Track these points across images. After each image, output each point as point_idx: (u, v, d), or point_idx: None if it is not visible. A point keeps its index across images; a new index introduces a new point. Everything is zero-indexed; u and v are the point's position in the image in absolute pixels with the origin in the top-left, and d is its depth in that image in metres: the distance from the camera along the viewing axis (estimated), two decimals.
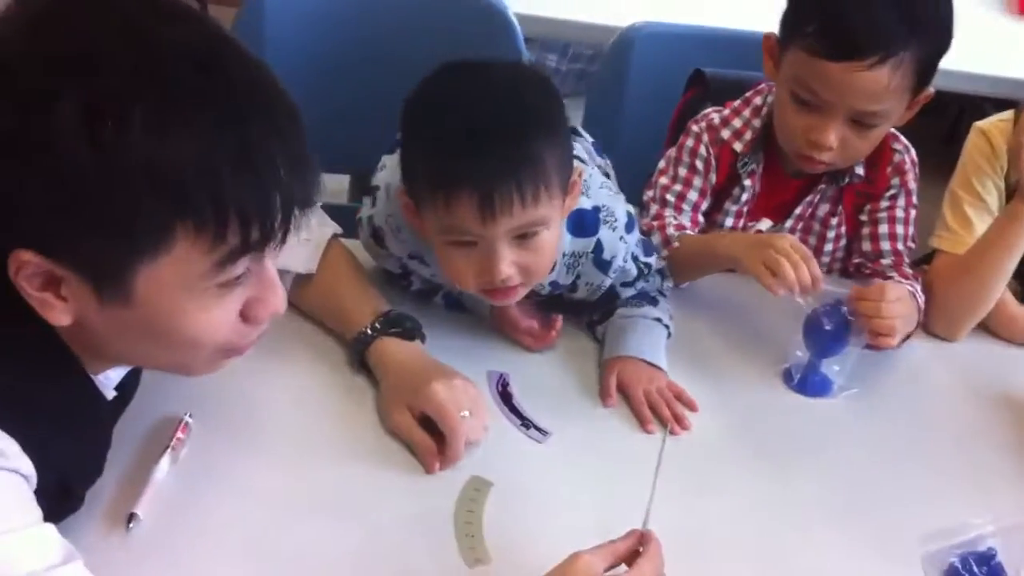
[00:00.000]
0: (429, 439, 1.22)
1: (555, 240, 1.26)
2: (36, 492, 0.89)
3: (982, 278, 1.54)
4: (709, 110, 1.63)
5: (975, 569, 1.02)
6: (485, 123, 1.17)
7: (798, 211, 1.62)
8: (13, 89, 0.81)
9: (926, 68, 1.42)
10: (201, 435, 1.18)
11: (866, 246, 1.60)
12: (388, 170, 1.36)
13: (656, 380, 1.38)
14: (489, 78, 1.22)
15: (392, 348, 1.31)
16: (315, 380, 1.32)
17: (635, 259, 1.42)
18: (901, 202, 1.58)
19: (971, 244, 1.58)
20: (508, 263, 1.22)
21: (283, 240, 0.92)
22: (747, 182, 1.59)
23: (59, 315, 0.89)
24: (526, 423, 1.30)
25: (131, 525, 1.06)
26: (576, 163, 1.29)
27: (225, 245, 0.87)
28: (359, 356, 1.32)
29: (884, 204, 1.59)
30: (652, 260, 1.45)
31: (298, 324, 1.38)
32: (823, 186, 1.60)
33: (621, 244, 1.37)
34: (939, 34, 1.42)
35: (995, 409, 1.46)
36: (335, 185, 2.37)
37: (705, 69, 1.77)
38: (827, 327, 1.38)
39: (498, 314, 1.43)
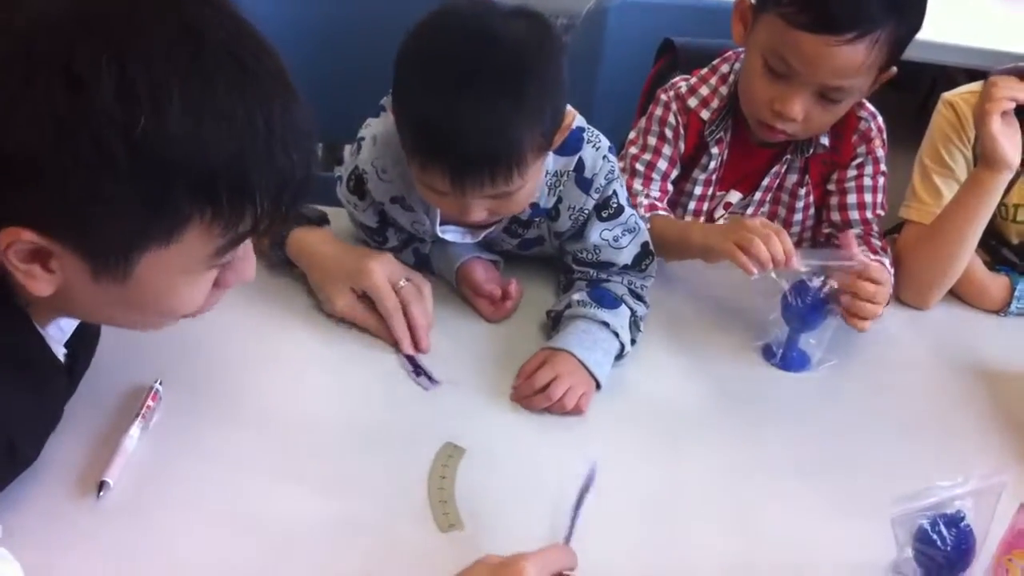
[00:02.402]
0: (375, 317, 1.32)
1: (533, 187, 1.28)
2: None
3: (948, 245, 1.55)
4: (677, 79, 1.63)
5: (944, 531, 1.03)
6: (467, 111, 1.14)
7: (766, 182, 1.62)
8: (50, 61, 0.76)
9: (898, 48, 1.42)
10: (171, 403, 1.18)
11: (835, 216, 1.60)
12: (374, 125, 1.36)
13: (583, 387, 1.29)
14: (480, 37, 1.16)
15: (309, 238, 1.37)
16: (287, 347, 1.32)
17: (615, 194, 1.39)
18: (868, 170, 1.58)
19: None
20: (479, 212, 1.25)
21: (284, 223, 0.91)
22: (714, 150, 1.59)
23: (42, 286, 0.86)
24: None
25: (101, 493, 1.05)
26: (569, 108, 1.27)
27: (234, 232, 0.87)
28: (281, 254, 1.37)
29: (851, 173, 1.59)
30: (629, 211, 1.41)
31: (271, 289, 1.38)
32: (789, 156, 1.60)
33: (604, 163, 1.36)
34: (915, 15, 1.43)
35: (965, 375, 1.48)
36: None
37: (675, 38, 1.77)
38: (805, 303, 1.37)
39: (463, 276, 1.43)
